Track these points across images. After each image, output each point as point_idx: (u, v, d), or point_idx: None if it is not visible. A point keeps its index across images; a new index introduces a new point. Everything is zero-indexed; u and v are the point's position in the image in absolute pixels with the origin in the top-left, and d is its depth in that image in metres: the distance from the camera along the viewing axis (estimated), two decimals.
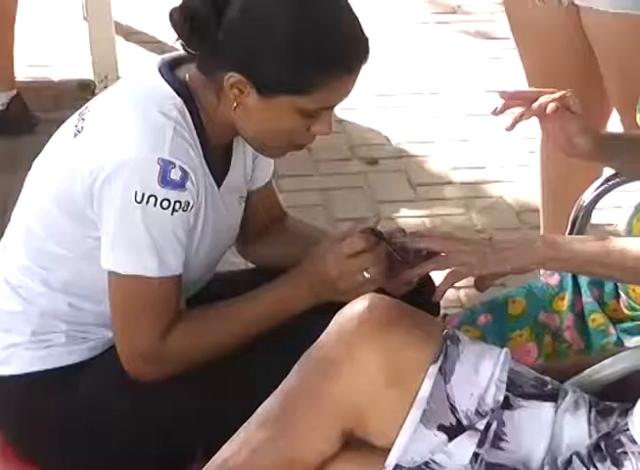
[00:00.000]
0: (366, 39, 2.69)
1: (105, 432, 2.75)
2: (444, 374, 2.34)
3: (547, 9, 3.68)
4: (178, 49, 2.76)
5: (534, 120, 2.92)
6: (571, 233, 3.21)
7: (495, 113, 2.91)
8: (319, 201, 4.78)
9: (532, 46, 3.84)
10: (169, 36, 2.71)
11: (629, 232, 2.99)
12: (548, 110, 2.85)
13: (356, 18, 2.69)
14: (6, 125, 5.41)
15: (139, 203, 2.61)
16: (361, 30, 2.69)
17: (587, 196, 3.25)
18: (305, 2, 2.68)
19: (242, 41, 2.62)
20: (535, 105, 2.88)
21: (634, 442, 2.26)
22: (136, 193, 2.60)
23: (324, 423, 2.34)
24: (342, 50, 2.66)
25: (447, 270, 2.67)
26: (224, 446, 2.40)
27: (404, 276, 2.70)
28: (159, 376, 2.71)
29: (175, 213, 2.63)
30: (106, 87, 5.16)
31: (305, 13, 2.65)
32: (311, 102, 2.66)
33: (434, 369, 2.33)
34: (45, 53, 5.92)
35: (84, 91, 5.36)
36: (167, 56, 2.81)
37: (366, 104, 5.39)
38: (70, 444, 2.78)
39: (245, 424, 2.39)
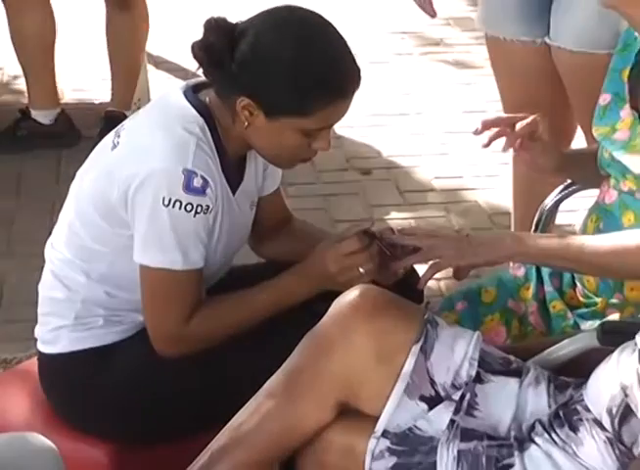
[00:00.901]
0: (358, 69, 2.70)
1: (136, 400, 2.76)
2: (425, 353, 2.36)
3: (523, 47, 3.71)
4: (200, 76, 2.78)
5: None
6: (535, 232, 3.22)
7: (476, 132, 2.92)
8: (320, 205, 4.77)
9: (510, 77, 3.82)
10: (193, 65, 2.73)
11: (584, 231, 2.99)
12: (516, 146, 2.90)
13: (350, 51, 2.69)
14: (54, 139, 5.38)
15: (166, 206, 2.62)
16: (354, 62, 2.69)
17: (549, 201, 3.24)
18: (306, 39, 2.68)
19: (251, 71, 2.63)
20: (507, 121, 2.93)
21: (588, 410, 2.27)
22: (164, 198, 2.61)
23: (322, 394, 2.36)
24: (338, 79, 2.66)
25: (430, 263, 2.67)
26: (238, 413, 2.41)
27: (393, 268, 2.71)
28: (182, 353, 2.72)
29: (197, 216, 2.64)
30: (139, 108, 5.20)
31: (306, 48, 2.66)
32: (311, 123, 2.66)
33: (416, 348, 2.35)
34: (88, 79, 5.90)
35: (120, 118, 5.36)
36: (191, 81, 2.82)
37: (361, 122, 5.37)
38: (107, 410, 2.78)
39: (256, 394, 2.41)
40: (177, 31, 6.13)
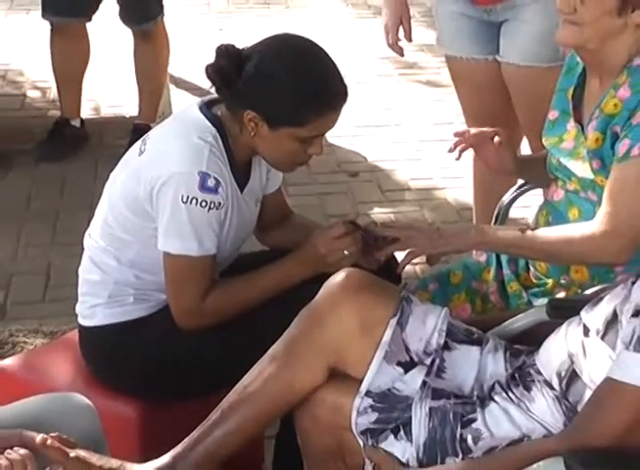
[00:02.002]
0: (345, 87, 2.71)
1: (161, 365, 2.76)
2: (401, 325, 2.36)
3: (477, 64, 3.70)
4: (213, 94, 2.77)
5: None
6: (494, 225, 3.21)
7: (450, 151, 2.97)
8: (315, 202, 4.77)
9: (467, 91, 3.81)
10: (208, 85, 2.74)
11: (536, 224, 2.98)
12: (496, 142, 2.93)
13: (338, 71, 2.70)
14: (84, 141, 5.41)
15: (185, 203, 2.62)
16: (342, 81, 2.70)
17: (506, 198, 3.23)
18: (301, 61, 2.69)
19: (256, 89, 2.64)
20: (477, 136, 2.96)
21: (539, 373, 2.27)
22: (183, 196, 2.62)
23: (315, 360, 2.36)
24: (329, 95, 2.68)
25: (407, 251, 2.68)
26: (244, 376, 2.41)
27: (375, 255, 2.71)
28: (199, 327, 2.72)
29: (210, 211, 2.65)
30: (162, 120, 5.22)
31: (301, 69, 2.67)
32: (306, 132, 2.67)
33: (393, 322, 2.36)
34: (120, 97, 5.89)
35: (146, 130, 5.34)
36: (205, 98, 2.82)
37: (349, 132, 5.36)
38: (136, 374, 2.77)
39: (260, 360, 2.41)
40: (195, 57, 6.11)
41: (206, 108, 2.76)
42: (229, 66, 2.66)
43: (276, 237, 3.07)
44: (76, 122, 5.43)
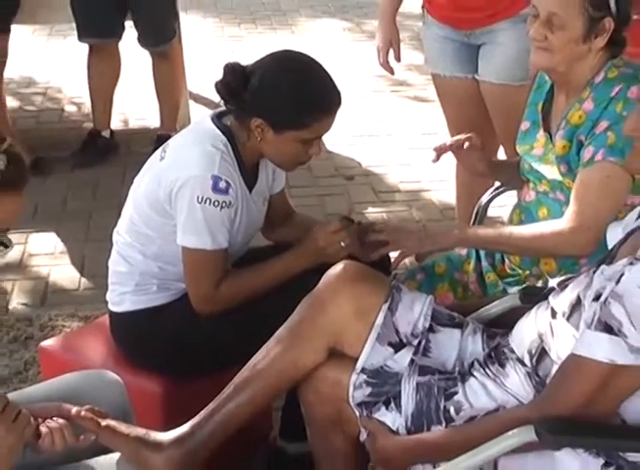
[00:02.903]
0: (339, 94, 2.71)
1: (181, 345, 2.76)
2: (392, 310, 2.36)
3: (458, 81, 3.70)
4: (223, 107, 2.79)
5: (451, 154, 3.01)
6: (474, 223, 3.20)
7: (433, 161, 2.97)
8: (316, 203, 4.75)
9: (450, 104, 3.82)
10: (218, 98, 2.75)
11: (510, 222, 2.98)
12: (464, 146, 2.94)
13: (332, 80, 2.71)
14: (114, 149, 5.40)
15: (200, 203, 2.62)
16: (336, 88, 2.71)
17: (484, 199, 3.23)
18: (300, 72, 2.70)
19: (261, 99, 2.65)
20: (453, 144, 2.96)
21: (513, 352, 2.26)
22: (198, 197, 2.62)
23: (317, 341, 2.35)
24: (325, 101, 2.69)
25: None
26: (254, 356, 2.41)
27: (370, 256, 2.71)
28: (214, 312, 2.72)
29: (222, 210, 2.64)
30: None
31: (300, 80, 2.69)
32: (307, 134, 2.67)
33: (385, 307, 2.35)
34: (145, 111, 5.88)
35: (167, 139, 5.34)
36: (216, 110, 2.81)
37: (346, 141, 5.36)
38: (160, 353, 2.77)
39: (268, 341, 2.41)
40: (211, 75, 6.09)
41: (218, 119, 2.76)
42: (235, 80, 2.67)
43: (280, 234, 3.07)
44: (107, 133, 5.43)
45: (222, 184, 2.64)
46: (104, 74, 5.29)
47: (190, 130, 2.87)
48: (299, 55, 2.78)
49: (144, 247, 2.78)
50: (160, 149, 2.82)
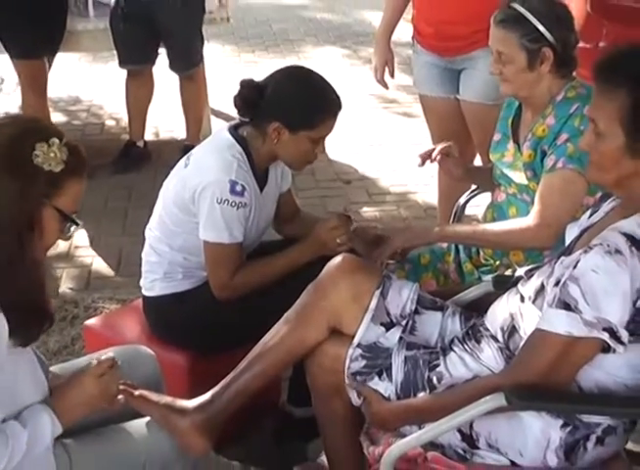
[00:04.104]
0: (339, 97, 2.72)
1: (204, 324, 2.75)
2: (383, 295, 2.36)
3: (442, 101, 3.70)
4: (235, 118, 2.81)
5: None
6: (453, 221, 3.19)
7: (419, 166, 2.99)
8: (318, 203, 4.73)
9: (434, 121, 3.82)
10: (236, 114, 2.75)
11: (484, 220, 2.98)
12: (438, 157, 2.94)
13: (333, 88, 2.72)
14: (147, 158, 5.39)
15: (219, 203, 2.62)
16: (337, 94, 2.72)
17: (462, 200, 3.23)
18: (307, 81, 2.72)
19: (277, 105, 2.66)
20: (435, 154, 2.95)
21: (487, 330, 2.25)
22: (217, 198, 2.62)
23: (319, 321, 2.35)
24: (330, 104, 2.70)
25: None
26: (266, 335, 2.41)
27: (370, 257, 2.71)
28: (231, 297, 2.72)
29: (239, 209, 2.64)
30: None
31: (308, 86, 2.70)
32: (316, 134, 2.67)
33: (377, 293, 2.35)
34: (173, 124, 5.87)
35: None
36: (232, 122, 2.81)
37: (344, 151, 5.35)
38: (186, 331, 2.78)
39: (278, 322, 2.40)
40: (229, 94, 6.11)
41: (234, 130, 2.75)
42: (251, 93, 2.67)
43: (289, 229, 3.06)
44: (141, 144, 5.43)
45: (238, 188, 2.63)
46: (139, 95, 5.29)
47: (210, 141, 2.85)
48: (302, 67, 2.81)
49: (171, 240, 2.78)
50: (185, 157, 2.81)
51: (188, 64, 5.15)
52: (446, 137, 3.40)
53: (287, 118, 2.64)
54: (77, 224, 1.97)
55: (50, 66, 5.11)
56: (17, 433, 1.89)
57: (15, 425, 1.91)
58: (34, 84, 4.89)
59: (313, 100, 2.67)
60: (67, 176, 1.90)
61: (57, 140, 1.90)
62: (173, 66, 5.16)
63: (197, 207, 2.67)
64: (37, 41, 4.74)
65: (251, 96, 2.67)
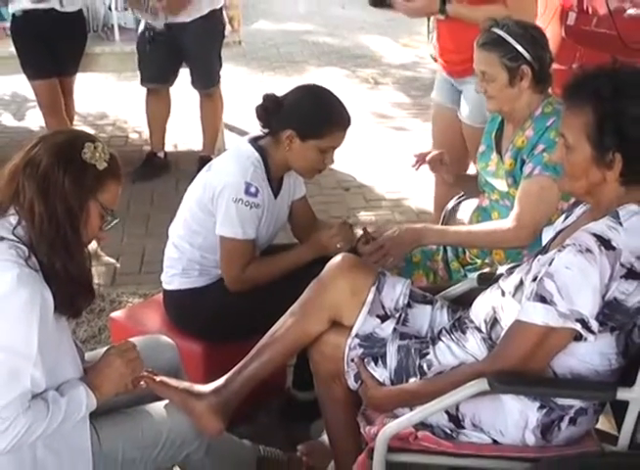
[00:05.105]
0: (349, 114, 2.70)
1: (218, 316, 2.75)
2: (379, 290, 2.36)
3: (448, 111, 3.66)
4: (253, 133, 2.80)
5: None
6: (442, 224, 3.19)
7: (413, 166, 3.01)
8: (322, 208, 4.66)
9: (439, 128, 3.78)
10: (249, 129, 2.74)
11: (470, 222, 2.99)
12: (430, 160, 2.95)
13: (344, 105, 2.71)
14: (167, 167, 5.38)
15: (235, 203, 2.63)
16: (346, 110, 2.70)
17: (451, 204, 3.23)
18: (321, 97, 2.71)
19: (292, 115, 2.66)
20: (429, 158, 2.98)
21: (472, 321, 2.25)
22: (233, 198, 2.62)
23: (321, 314, 2.35)
24: (339, 118, 2.69)
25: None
26: (273, 326, 2.41)
27: (368, 260, 2.68)
28: (242, 290, 2.72)
29: (252, 209, 2.65)
30: (219, 153, 5.21)
31: (321, 100, 2.69)
32: (325, 143, 2.66)
33: (373, 288, 2.35)
34: (191, 137, 5.87)
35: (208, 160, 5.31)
36: (251, 135, 2.81)
37: (344, 161, 5.31)
38: (202, 322, 2.78)
39: (283, 315, 2.40)
40: (240, 111, 6.14)
41: (253, 141, 2.76)
42: (272, 104, 2.68)
43: (307, 237, 2.96)
44: (161, 154, 5.44)
45: (253, 189, 2.64)
46: (157, 111, 5.31)
47: (231, 150, 2.85)
48: (319, 86, 2.78)
49: (192, 239, 2.78)
50: (208, 164, 2.83)
51: (208, 83, 5.17)
52: (445, 145, 3.40)
53: (299, 127, 2.64)
54: (116, 218, 2.07)
55: (72, 84, 5.11)
56: (56, 400, 1.94)
57: (55, 394, 1.95)
58: (48, 102, 4.88)
59: (323, 112, 2.67)
60: (108, 175, 2.00)
61: (100, 144, 2.00)
62: (195, 84, 5.18)
63: (215, 205, 2.68)
64: (47, 63, 4.74)
65: (271, 107, 2.68)
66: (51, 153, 1.94)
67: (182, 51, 4.98)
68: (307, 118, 2.65)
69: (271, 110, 2.68)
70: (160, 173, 5.31)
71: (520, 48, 2.63)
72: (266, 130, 2.73)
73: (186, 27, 4.88)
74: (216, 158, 2.87)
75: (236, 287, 2.73)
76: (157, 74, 5.11)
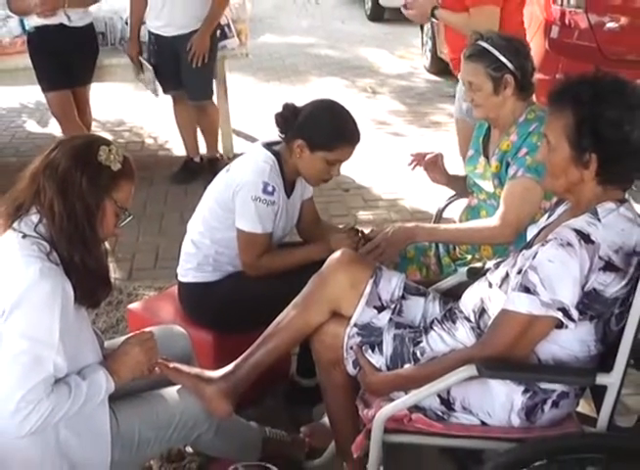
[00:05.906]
0: (359, 132, 2.70)
1: (228, 308, 2.75)
2: (376, 283, 2.35)
3: (467, 123, 3.58)
4: (265, 139, 2.80)
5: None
6: (434, 222, 3.18)
7: (408, 164, 3.00)
8: (323, 207, 4.65)
9: (462, 138, 3.71)
10: (256, 135, 2.74)
11: (460, 220, 2.98)
12: (427, 164, 2.98)
13: (355, 121, 2.70)
14: (201, 171, 5.26)
15: (253, 200, 2.64)
16: (357, 127, 2.70)
17: (442, 204, 3.23)
18: (334, 112, 2.69)
19: (304, 126, 2.65)
20: (426, 160, 2.99)
21: (462, 312, 2.25)
22: (252, 195, 2.63)
23: (322, 305, 2.34)
24: (349, 134, 2.68)
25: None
26: (277, 317, 2.41)
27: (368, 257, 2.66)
28: (257, 274, 2.73)
29: (268, 206, 2.66)
30: (229, 158, 5.18)
31: (333, 115, 2.68)
32: (333, 156, 2.66)
33: (371, 281, 2.34)
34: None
35: (216, 160, 5.27)
36: (265, 140, 2.81)
37: (343, 164, 5.36)
38: (214, 313, 2.78)
39: (287, 307, 2.40)
40: (248, 118, 6.13)
41: (269, 146, 2.76)
42: (289, 113, 2.68)
43: (309, 234, 3.01)
44: (197, 159, 5.34)
45: (270, 188, 2.64)
46: (184, 117, 5.20)
47: (247, 154, 2.82)
48: (336, 102, 2.76)
49: (211, 234, 2.77)
50: (227, 166, 2.83)
51: (199, 97, 5.03)
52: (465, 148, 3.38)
53: (309, 138, 2.64)
54: (130, 216, 2.08)
55: (87, 94, 5.04)
56: (78, 384, 1.96)
57: (76, 378, 1.97)
58: (60, 113, 4.85)
59: (335, 127, 2.65)
60: (122, 176, 2.01)
61: (115, 147, 2.02)
62: (189, 97, 5.04)
63: (234, 202, 2.68)
64: (59, 76, 4.70)
65: (288, 115, 2.68)
66: (69, 156, 1.96)
67: (180, 62, 4.87)
68: (319, 131, 2.64)
69: (287, 117, 2.68)
70: (197, 176, 5.19)
71: (503, 59, 2.64)
72: (283, 136, 2.73)
73: (186, 38, 4.78)
74: (237, 159, 2.86)
75: (251, 273, 2.74)
76: (171, 83, 5.02)
